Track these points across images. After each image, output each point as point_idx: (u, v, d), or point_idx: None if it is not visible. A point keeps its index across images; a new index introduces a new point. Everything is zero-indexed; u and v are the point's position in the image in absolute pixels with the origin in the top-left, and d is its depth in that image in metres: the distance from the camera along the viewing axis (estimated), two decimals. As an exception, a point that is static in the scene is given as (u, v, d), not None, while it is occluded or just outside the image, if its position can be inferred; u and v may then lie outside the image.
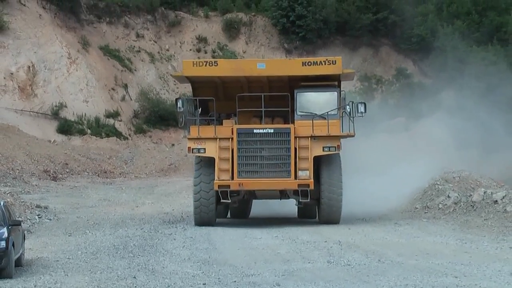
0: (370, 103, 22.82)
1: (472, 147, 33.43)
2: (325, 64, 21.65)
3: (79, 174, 37.12)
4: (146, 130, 44.89)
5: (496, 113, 34.76)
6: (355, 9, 49.69)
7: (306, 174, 21.01)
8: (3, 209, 15.17)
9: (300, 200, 21.52)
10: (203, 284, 13.60)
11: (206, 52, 49.26)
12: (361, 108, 21.48)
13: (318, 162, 21.55)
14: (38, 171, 35.37)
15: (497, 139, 34.33)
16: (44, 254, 17.27)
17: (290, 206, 23.54)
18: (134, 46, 48.46)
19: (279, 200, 22.57)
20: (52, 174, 35.72)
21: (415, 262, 15.31)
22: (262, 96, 21.70)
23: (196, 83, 22.97)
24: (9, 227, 14.67)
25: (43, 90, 42.87)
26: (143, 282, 13.82)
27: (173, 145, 43.58)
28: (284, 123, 21.90)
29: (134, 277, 14.26)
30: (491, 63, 43.04)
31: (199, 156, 21.63)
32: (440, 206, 23.91)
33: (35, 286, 13.78)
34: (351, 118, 21.70)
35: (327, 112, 21.38)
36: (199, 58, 45.49)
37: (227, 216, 24.44)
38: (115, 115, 44.15)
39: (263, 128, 21.36)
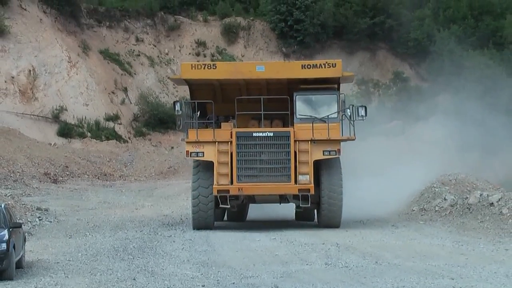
0: (368, 106, 22.74)
1: (469, 150, 33.54)
2: (325, 67, 21.40)
3: (79, 176, 37.24)
4: (146, 133, 45.02)
5: (493, 116, 34.91)
6: (352, 14, 49.88)
7: (306, 179, 20.72)
8: (4, 211, 15.23)
9: (301, 205, 21.24)
10: (202, 286, 13.69)
11: (205, 56, 49.42)
12: (362, 111, 21.15)
13: (318, 165, 21.23)
14: (38, 174, 35.48)
15: (493, 142, 34.48)
16: (44, 256, 17.36)
17: (287, 209, 23.50)
18: (133, 50, 48.62)
19: (279, 204, 22.36)
20: (53, 177, 35.84)
21: (412, 264, 15.38)
22: (262, 99, 21.49)
23: (194, 85, 22.74)
24: (10, 229, 14.75)
25: (44, 93, 43.01)
26: (142, 284, 13.91)
27: (172, 148, 43.68)
28: (283, 126, 21.69)
29: (134, 279, 14.35)
30: (487, 66, 43.20)
31: (197, 160, 21.35)
32: (437, 208, 23.90)
33: (35, 287, 13.88)
34: (352, 122, 21.36)
35: (327, 116, 21.16)
36: (198, 61, 45.63)
37: (224, 219, 24.18)
38: (115, 118, 44.30)
39: (262, 132, 21.07)
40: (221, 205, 21.17)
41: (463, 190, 26.35)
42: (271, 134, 21.02)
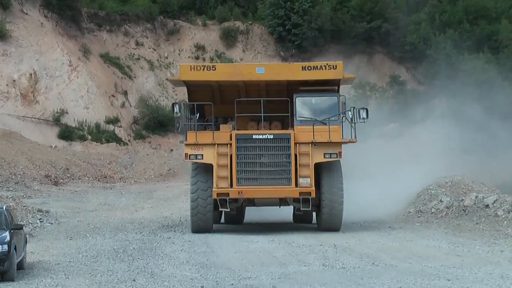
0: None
1: (466, 153, 33.64)
2: (325, 68, 20.96)
3: (79, 179, 37.36)
4: (145, 135, 45.17)
5: (489, 119, 35.06)
6: (349, 18, 50.10)
7: (307, 182, 20.27)
8: (5, 213, 15.33)
9: (301, 208, 20.82)
10: (201, 287, 13.79)
11: (204, 60, 49.57)
12: (363, 113, 20.74)
13: (319, 168, 20.84)
14: (39, 176, 35.59)
15: (490, 145, 34.60)
16: (45, 258, 17.46)
17: (285, 211, 23.44)
18: (133, 54, 48.82)
19: (278, 207, 22.08)
20: (53, 179, 35.97)
21: (409, 265, 15.45)
22: (262, 100, 21.18)
23: (192, 87, 22.27)
24: (11, 231, 14.87)
25: (45, 96, 43.19)
26: (142, 285, 14.01)
27: (171, 150, 43.79)
28: (282, 128, 21.35)
29: (134, 280, 14.44)
30: (483, 70, 43.34)
31: (195, 162, 20.97)
32: (433, 210, 23.93)
33: (37, 288, 14.04)
34: (353, 124, 20.98)
35: (328, 118, 20.71)
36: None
37: (221, 222, 23.90)
38: (115, 121, 44.47)
39: (262, 134, 20.61)
40: (220, 208, 20.83)
41: (459, 192, 26.44)
42: (271, 137, 20.63)
